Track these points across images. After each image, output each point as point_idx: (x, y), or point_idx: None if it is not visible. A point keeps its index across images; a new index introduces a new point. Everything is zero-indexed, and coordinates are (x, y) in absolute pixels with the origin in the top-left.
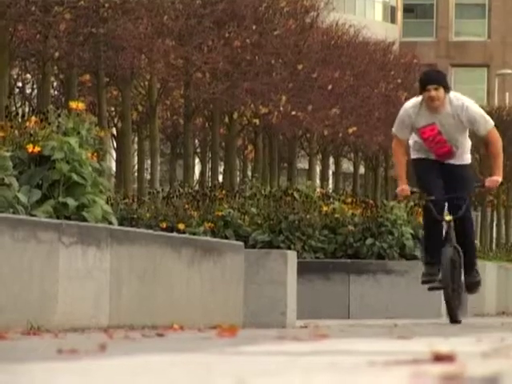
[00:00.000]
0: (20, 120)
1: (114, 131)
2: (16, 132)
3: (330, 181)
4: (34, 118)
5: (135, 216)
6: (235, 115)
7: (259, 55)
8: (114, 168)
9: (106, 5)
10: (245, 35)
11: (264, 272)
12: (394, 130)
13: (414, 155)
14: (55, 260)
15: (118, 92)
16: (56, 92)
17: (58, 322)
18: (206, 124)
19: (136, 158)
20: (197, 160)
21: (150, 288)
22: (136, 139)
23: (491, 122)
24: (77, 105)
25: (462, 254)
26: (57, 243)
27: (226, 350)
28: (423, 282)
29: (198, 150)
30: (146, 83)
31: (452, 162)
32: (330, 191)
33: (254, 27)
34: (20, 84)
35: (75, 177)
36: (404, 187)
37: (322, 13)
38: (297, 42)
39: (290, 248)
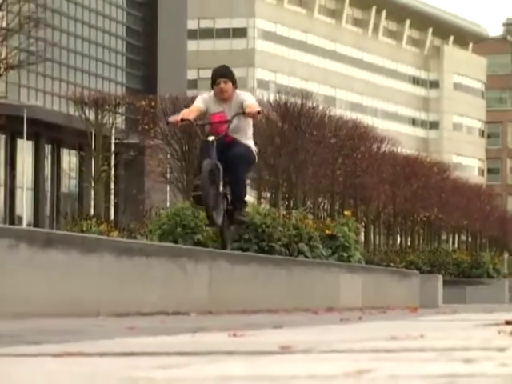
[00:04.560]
0: (323, 219)
1: (363, 224)
2: (320, 225)
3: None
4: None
5: (372, 260)
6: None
7: (433, 195)
8: (363, 239)
9: (359, 169)
10: (413, 188)
11: (428, 284)
12: (195, 102)
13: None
14: (338, 280)
15: (365, 206)
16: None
17: (341, 305)
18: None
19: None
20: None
21: (382, 291)
22: (372, 227)
23: (257, 106)
24: (348, 213)
25: (221, 168)
26: (338, 273)
27: (413, 318)
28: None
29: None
30: (377, 203)
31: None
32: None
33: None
34: None
35: (346, 243)
36: (177, 117)
37: (452, 171)
38: (440, 188)
39: (439, 273)
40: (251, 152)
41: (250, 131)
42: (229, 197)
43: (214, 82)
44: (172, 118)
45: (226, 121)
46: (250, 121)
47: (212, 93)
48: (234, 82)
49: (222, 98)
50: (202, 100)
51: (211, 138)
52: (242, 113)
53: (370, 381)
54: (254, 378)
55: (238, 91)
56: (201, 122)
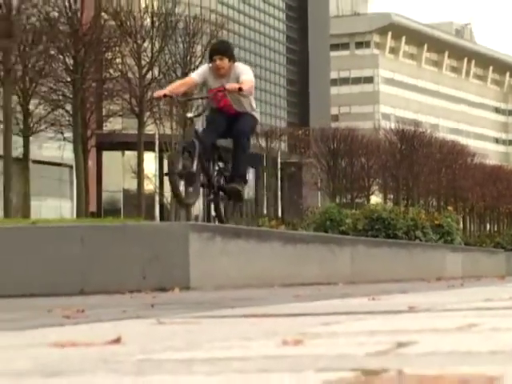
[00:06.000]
0: (432, 213)
1: (462, 216)
2: (431, 217)
3: None
4: (436, 214)
5: (469, 242)
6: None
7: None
8: (461, 227)
9: (458, 176)
10: (498, 189)
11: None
12: (192, 74)
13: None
14: (444, 257)
15: (462, 203)
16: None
17: (447, 276)
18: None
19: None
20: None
21: (476, 265)
22: (468, 218)
23: (252, 80)
24: (450, 208)
25: (197, 146)
26: (444, 252)
27: (502, 285)
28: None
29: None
30: (471, 200)
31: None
32: None
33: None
34: None
35: (450, 230)
36: (161, 92)
37: None
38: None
39: None
40: (253, 121)
41: (249, 98)
42: (225, 172)
43: (211, 58)
44: (157, 94)
45: (229, 103)
46: (251, 99)
47: (210, 66)
48: (230, 58)
49: (219, 73)
50: (201, 72)
51: (189, 115)
52: (224, 89)
53: (477, 332)
54: (392, 331)
55: (236, 64)
56: (183, 98)
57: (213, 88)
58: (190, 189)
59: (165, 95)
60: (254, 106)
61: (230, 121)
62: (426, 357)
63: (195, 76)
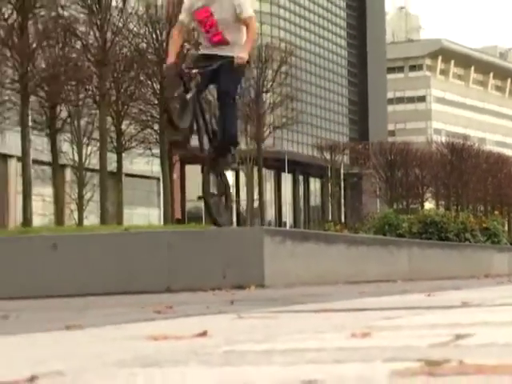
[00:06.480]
0: (480, 217)
1: (507, 219)
2: (479, 221)
3: None
4: (484, 218)
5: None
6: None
7: None
8: (507, 229)
9: (503, 184)
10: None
11: None
12: (180, 15)
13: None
14: (491, 256)
15: (507, 207)
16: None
17: (494, 273)
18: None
19: None
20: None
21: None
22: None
23: (252, 12)
24: (497, 213)
25: (194, 99)
26: (492, 252)
27: None
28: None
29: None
30: None
31: (225, 53)
32: None
33: None
34: None
35: (496, 232)
36: (172, 60)
37: None
38: None
39: None
40: (238, 74)
41: (242, 39)
42: (214, 142)
43: None
44: (168, 65)
45: (216, 23)
46: (243, 30)
47: None
48: None
49: None
50: (186, 5)
51: (189, 97)
52: (232, 60)
53: None
54: (450, 324)
55: None
56: (188, 65)
57: (196, 8)
58: (180, 114)
59: (175, 63)
60: (244, 39)
61: (214, 70)
62: (483, 348)
63: (182, 17)
